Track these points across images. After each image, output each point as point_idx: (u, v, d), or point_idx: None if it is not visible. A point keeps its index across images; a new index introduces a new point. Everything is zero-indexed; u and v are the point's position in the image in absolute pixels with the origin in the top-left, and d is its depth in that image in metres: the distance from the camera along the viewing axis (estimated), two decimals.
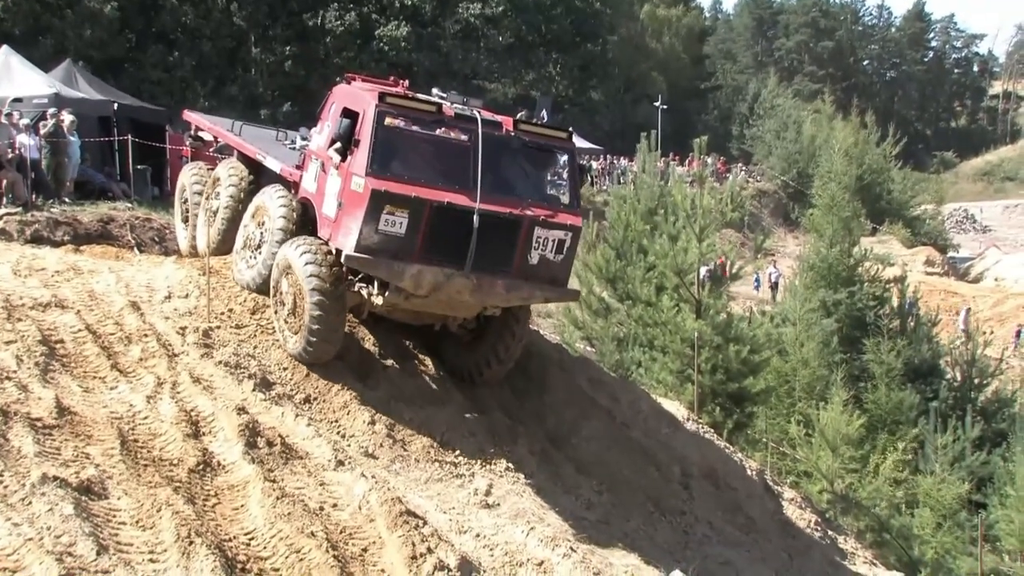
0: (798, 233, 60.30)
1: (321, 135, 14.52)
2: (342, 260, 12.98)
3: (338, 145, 13.31)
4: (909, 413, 26.69)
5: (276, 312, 14.46)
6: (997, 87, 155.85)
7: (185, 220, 19.23)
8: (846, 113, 79.23)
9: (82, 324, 14.15)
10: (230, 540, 9.43)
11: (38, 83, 29.72)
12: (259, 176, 16.86)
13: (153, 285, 16.31)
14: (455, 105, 13.51)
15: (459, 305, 13.71)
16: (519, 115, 14.07)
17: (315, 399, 14.05)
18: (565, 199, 13.58)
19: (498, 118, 13.57)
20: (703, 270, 24.06)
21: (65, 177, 25.84)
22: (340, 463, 12.15)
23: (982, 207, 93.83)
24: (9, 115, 24.69)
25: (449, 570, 9.90)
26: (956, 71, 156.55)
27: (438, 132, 13.05)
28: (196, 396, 12.67)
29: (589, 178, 54.60)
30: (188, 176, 19.41)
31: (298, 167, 15.24)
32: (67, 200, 25.01)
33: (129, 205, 25.81)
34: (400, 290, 13.10)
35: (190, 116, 21.23)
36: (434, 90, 14.71)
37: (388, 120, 12.88)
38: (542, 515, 12.38)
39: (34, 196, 23.97)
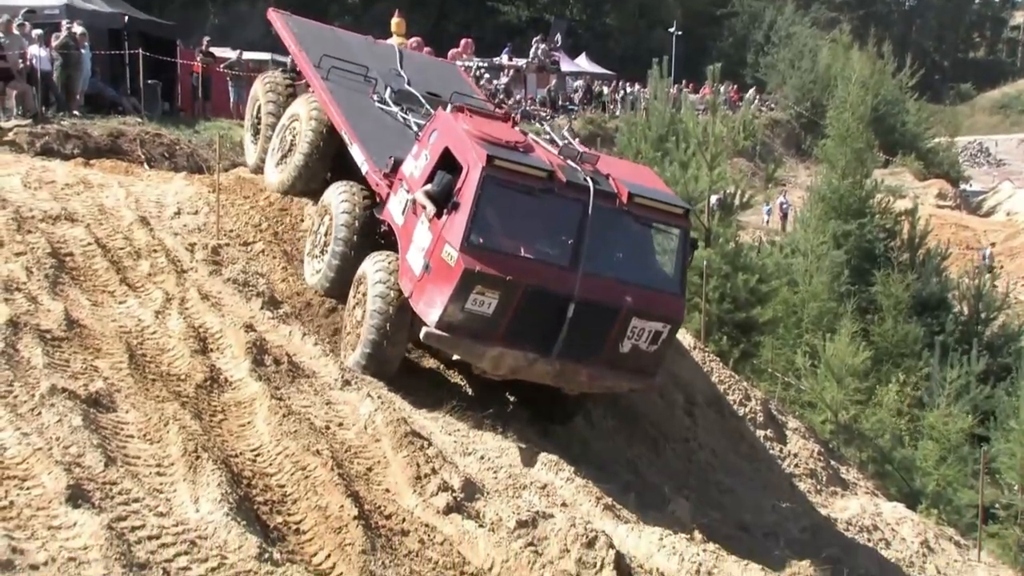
0: (810, 164, 59.84)
1: (417, 162, 13.21)
2: (420, 335, 11.97)
3: (433, 191, 12.16)
4: (915, 346, 26.74)
5: (347, 319, 13.75)
6: (1018, 17, 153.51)
7: (256, 134, 18.26)
8: (863, 43, 78.24)
9: (91, 238, 14.16)
10: (236, 456, 9.49)
11: None
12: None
13: (163, 201, 16.30)
14: (568, 161, 12.23)
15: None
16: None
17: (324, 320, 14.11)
18: (670, 284, 12.42)
19: (613, 187, 12.13)
20: (713, 198, 23.97)
21: (76, 90, 25.69)
22: (347, 383, 12.20)
23: (997, 140, 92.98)
24: (21, 26, 24.47)
25: (453, 491, 9.97)
26: (977, 1, 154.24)
27: (546, 200, 11.82)
28: (204, 312, 12.69)
29: (601, 104, 54.35)
30: (262, 88, 18.20)
31: (387, 176, 14.00)
32: (77, 113, 24.89)
33: (139, 120, 25.69)
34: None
35: (275, 17, 18.57)
36: (546, 126, 13.95)
37: (494, 187, 11.62)
38: (546, 440, 12.43)
39: (44, 108, 23.85)
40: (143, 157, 22.96)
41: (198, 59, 32.01)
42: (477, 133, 12.17)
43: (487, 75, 44.81)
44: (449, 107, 13.79)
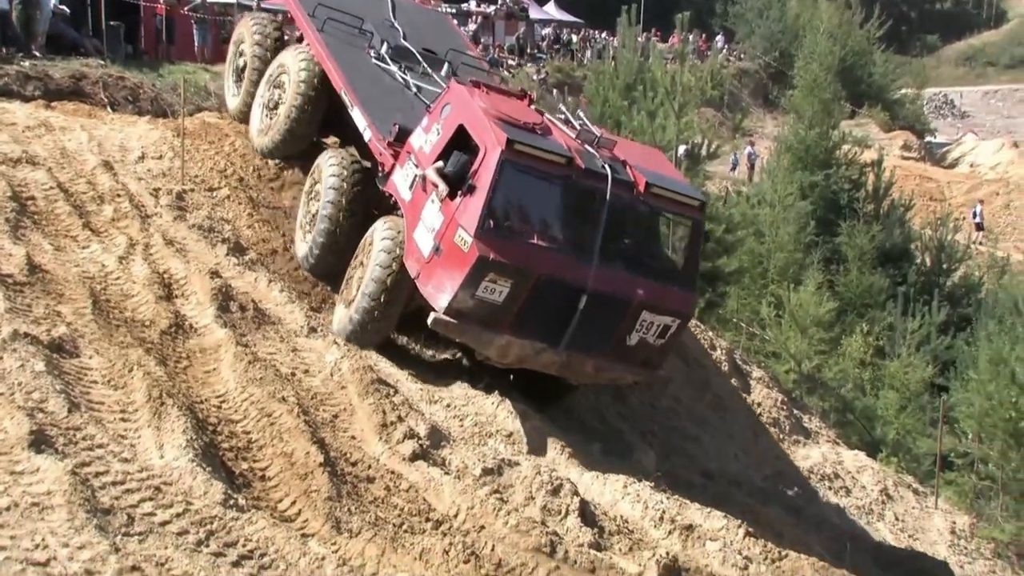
0: (777, 114, 59.90)
1: (428, 136, 12.60)
2: (428, 321, 11.51)
3: (443, 167, 11.85)
4: (879, 297, 26.96)
5: (346, 281, 13.25)
6: None
7: (239, 78, 17.43)
8: None
9: (53, 182, 13.98)
10: (201, 402, 9.48)
11: None
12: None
13: (126, 145, 16.11)
14: (586, 146, 11.81)
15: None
16: None
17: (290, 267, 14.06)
18: (682, 277, 12.18)
19: (630, 176, 11.78)
20: (681, 148, 23.93)
21: (36, 31, 25.18)
22: (313, 330, 12.18)
23: (962, 92, 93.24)
24: None
25: (419, 438, 9.99)
26: None
27: (564, 187, 11.48)
28: (169, 258, 12.61)
29: (570, 52, 54.08)
30: (249, 30, 17.23)
31: (391, 145, 13.37)
32: (37, 55, 24.45)
33: (102, 63, 25.27)
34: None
35: None
36: (560, 106, 13.49)
37: (512, 172, 11.18)
38: (512, 389, 12.46)
39: (3, 49, 23.45)
40: (106, 100, 22.63)
41: (162, 1, 31.56)
42: (495, 113, 11.70)
43: (455, 22, 44.45)
44: (456, 77, 13.36)
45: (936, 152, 68.91)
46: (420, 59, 15.74)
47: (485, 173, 11.18)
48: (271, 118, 15.84)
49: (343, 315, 12.77)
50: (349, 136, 15.22)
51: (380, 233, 12.63)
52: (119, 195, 14.14)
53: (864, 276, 27.42)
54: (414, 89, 14.78)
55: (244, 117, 16.92)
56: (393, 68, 15.32)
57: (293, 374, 10.77)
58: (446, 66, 15.72)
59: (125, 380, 9.09)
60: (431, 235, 11.62)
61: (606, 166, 11.63)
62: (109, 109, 21.38)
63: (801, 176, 29.74)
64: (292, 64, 15.55)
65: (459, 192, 11.38)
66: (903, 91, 74.47)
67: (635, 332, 11.71)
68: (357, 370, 10.89)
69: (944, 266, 29.42)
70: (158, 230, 13.41)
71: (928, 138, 72.80)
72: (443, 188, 11.57)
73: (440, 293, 11.34)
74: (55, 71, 22.66)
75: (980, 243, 40.05)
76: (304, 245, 14.22)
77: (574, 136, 12.02)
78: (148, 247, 12.78)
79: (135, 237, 12.94)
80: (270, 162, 16.03)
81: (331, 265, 13.83)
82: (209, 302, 11.52)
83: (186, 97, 18.80)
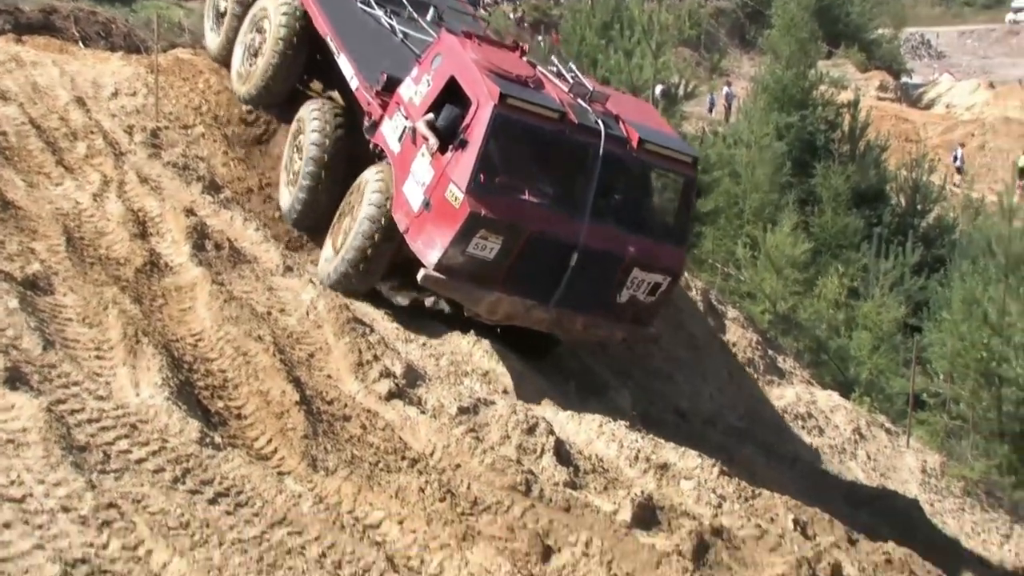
0: (754, 55, 59.72)
1: (418, 88, 12.26)
2: (417, 277, 11.25)
3: (433, 120, 11.55)
4: (854, 238, 27.05)
5: (333, 227, 12.94)
6: None
7: (218, 20, 16.87)
8: None
9: (25, 117, 13.82)
10: (177, 341, 9.46)
11: None
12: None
13: (99, 81, 15.93)
14: (578, 100, 11.58)
15: None
16: None
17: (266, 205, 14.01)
18: (673, 234, 12.07)
19: (623, 132, 11.60)
20: (658, 88, 23.86)
21: None
22: (288, 268, 12.16)
23: (939, 32, 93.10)
24: None
25: (395, 377, 10.02)
26: None
27: (556, 143, 11.27)
28: (143, 196, 12.53)
29: None
30: None
31: (379, 95, 13.01)
32: None
33: None
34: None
35: None
36: (553, 58, 13.20)
37: (504, 127, 10.96)
38: (487, 329, 12.48)
39: None
40: (78, 35, 22.41)
41: None
42: (487, 65, 11.47)
43: None
44: (445, 25, 13.11)
45: (912, 93, 68.87)
46: (406, 3, 15.39)
47: (477, 127, 10.94)
48: (252, 65, 15.48)
49: (331, 262, 12.48)
50: (333, 81, 14.88)
51: (371, 185, 12.33)
52: (92, 132, 14.00)
53: (839, 217, 27.48)
54: (400, 36, 14.48)
55: (224, 62, 16.53)
56: (379, 13, 14.97)
57: (269, 313, 10.75)
58: (432, 10, 15.38)
59: (100, 318, 9.06)
60: (421, 189, 11.38)
61: (599, 121, 11.45)
62: (81, 44, 21.17)
63: (777, 117, 29.67)
64: (272, 9, 15.17)
65: (450, 146, 11.14)
66: (880, 31, 74.27)
67: (625, 289, 11.60)
68: (333, 309, 10.88)
69: (919, 207, 29.50)
70: (132, 167, 13.30)
71: (904, 79, 72.71)
72: (434, 142, 11.34)
73: (430, 249, 11.12)
74: (25, 4, 22.38)
75: (957, 186, 40.15)
76: (287, 198, 13.93)
77: (567, 90, 11.80)
78: (122, 184, 12.68)
79: (109, 174, 12.84)
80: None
81: (315, 220, 13.55)
82: (184, 240, 11.46)
83: (159, 33, 18.60)
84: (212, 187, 13.65)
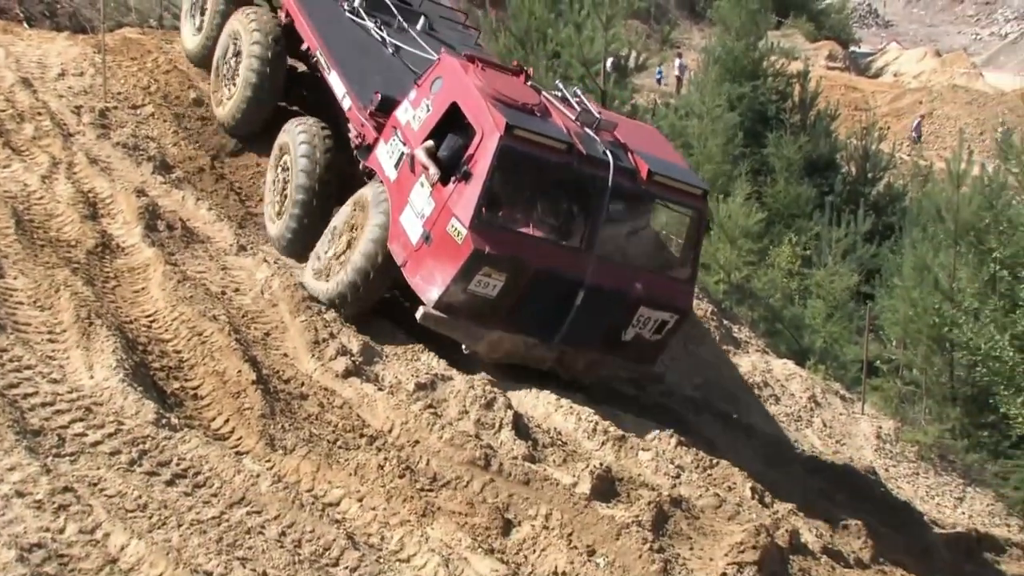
0: (704, 26, 59.80)
1: (416, 112, 11.56)
2: (416, 315, 10.64)
3: (434, 148, 10.95)
4: (806, 207, 27.31)
5: (327, 243, 12.06)
6: None
7: (201, 12, 16.20)
8: None
9: None
10: (131, 322, 9.40)
11: None
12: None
13: (45, 62, 15.73)
14: (586, 129, 11.03)
15: None
16: None
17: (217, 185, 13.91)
18: (682, 271, 11.61)
19: (632, 163, 11.08)
20: (608, 61, 23.84)
21: None
22: (242, 248, 12.09)
23: (885, 1, 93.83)
24: None
25: (351, 355, 10.02)
26: None
27: (563, 175, 10.75)
28: (93, 177, 12.40)
29: None
30: None
31: (373, 116, 12.32)
32: None
33: None
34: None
35: None
36: (557, 83, 12.79)
37: (510, 159, 10.37)
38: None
39: None
40: (22, 15, 22.06)
41: None
42: (492, 92, 10.85)
43: None
44: (446, 50, 12.56)
45: (860, 62, 69.35)
46: (396, 13, 14.77)
47: (482, 159, 10.35)
48: (229, 89, 14.77)
49: (332, 282, 11.57)
50: (314, 100, 14.26)
51: (375, 208, 11.53)
52: (40, 113, 13.83)
53: (791, 187, 27.71)
54: (391, 49, 13.89)
55: (200, 61, 16.00)
56: (369, 24, 14.30)
57: (223, 292, 10.70)
58: (422, 19, 14.87)
59: (52, 301, 8.98)
60: (420, 221, 10.77)
61: (607, 152, 10.94)
62: (25, 24, 20.83)
63: (729, 88, 29.79)
64: (243, 30, 14.52)
65: (452, 177, 10.56)
66: (828, 1, 74.66)
67: (632, 327, 11.15)
68: (288, 288, 10.85)
69: (869, 175, 29.80)
70: (81, 148, 13.16)
71: (852, 48, 73.14)
72: (434, 172, 10.71)
73: (430, 286, 10.58)
74: None
75: (910, 155, 40.48)
76: (277, 226, 13.17)
77: (573, 118, 11.27)
78: (71, 166, 12.54)
79: (58, 156, 12.69)
80: (194, 75, 15.75)
81: (307, 246, 12.65)
82: (136, 221, 11.37)
83: (106, 13, 18.37)
84: (163, 167, 13.54)
